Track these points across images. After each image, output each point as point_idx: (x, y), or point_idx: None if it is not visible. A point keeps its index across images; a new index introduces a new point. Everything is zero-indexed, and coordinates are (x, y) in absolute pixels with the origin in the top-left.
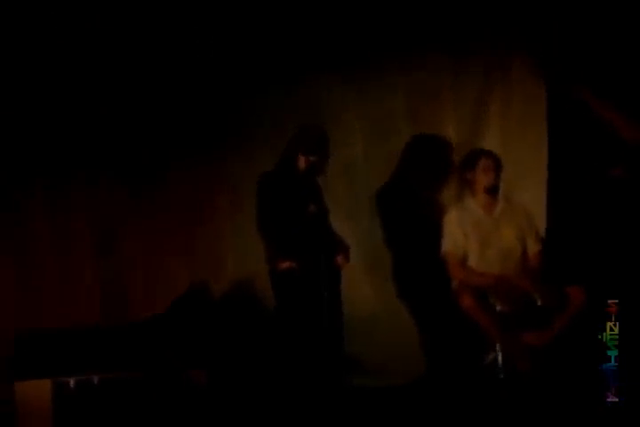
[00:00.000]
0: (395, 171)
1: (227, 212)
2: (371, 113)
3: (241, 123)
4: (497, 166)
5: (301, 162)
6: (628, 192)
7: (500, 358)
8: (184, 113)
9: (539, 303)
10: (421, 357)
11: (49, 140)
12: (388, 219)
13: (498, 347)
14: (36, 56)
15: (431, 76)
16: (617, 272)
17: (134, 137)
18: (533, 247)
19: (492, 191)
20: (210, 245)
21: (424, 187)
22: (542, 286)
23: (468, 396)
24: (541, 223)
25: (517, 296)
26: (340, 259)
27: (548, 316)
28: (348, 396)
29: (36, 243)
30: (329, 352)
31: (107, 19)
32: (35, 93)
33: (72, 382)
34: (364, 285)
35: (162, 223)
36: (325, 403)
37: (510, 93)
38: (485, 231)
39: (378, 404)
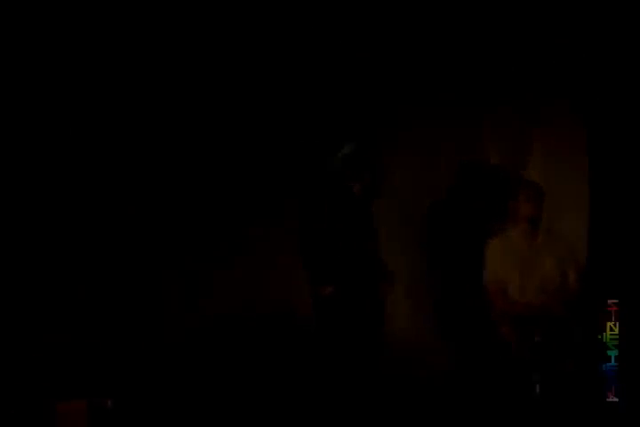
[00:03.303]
0: (441, 198)
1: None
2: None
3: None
4: (540, 197)
5: (355, 188)
6: None
7: (538, 387)
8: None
9: (577, 333)
10: (459, 381)
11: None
12: (434, 245)
13: (535, 375)
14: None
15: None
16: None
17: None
18: (573, 278)
19: (534, 221)
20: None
21: (470, 215)
22: (581, 316)
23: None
24: (582, 254)
25: (556, 326)
26: (384, 287)
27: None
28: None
29: None
30: (368, 373)
31: None
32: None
33: (109, 403)
34: (405, 308)
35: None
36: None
37: (551, 125)
38: (526, 261)
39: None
